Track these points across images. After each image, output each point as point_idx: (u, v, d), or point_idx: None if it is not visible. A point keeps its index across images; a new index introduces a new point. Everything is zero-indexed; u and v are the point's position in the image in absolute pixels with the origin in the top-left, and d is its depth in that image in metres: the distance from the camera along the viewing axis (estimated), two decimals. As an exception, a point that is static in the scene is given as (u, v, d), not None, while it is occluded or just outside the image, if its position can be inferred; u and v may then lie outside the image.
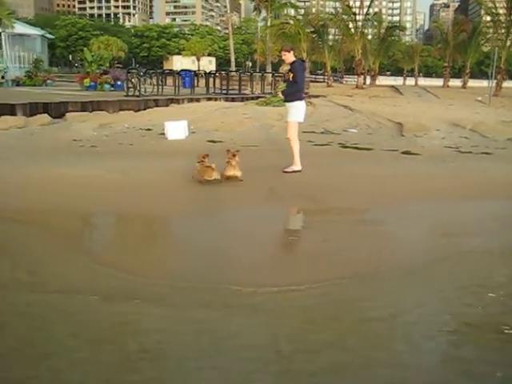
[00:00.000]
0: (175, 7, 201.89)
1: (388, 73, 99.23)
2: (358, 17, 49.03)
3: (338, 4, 54.19)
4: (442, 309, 4.05)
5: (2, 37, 29.90)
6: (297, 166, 8.56)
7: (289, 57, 8.50)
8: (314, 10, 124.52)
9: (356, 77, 50.39)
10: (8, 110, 14.97)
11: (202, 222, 6.38)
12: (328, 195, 7.36)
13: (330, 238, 5.73)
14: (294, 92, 8.52)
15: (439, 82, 64.85)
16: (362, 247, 5.40)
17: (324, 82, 57.31)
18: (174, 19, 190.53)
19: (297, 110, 8.59)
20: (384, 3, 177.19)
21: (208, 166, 7.61)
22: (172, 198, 7.18)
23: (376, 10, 66.61)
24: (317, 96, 26.87)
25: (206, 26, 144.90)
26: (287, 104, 8.65)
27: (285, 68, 9.29)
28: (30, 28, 36.51)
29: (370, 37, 56.62)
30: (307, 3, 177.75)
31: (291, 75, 8.38)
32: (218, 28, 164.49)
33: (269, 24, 51.76)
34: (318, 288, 4.30)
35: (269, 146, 11.20)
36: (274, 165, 8.72)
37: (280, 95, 8.78)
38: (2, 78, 26.15)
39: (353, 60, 54.46)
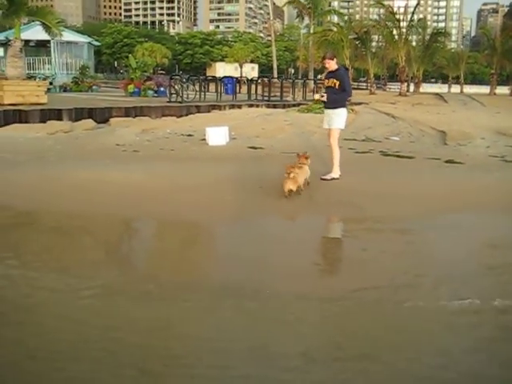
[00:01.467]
0: (219, 14, 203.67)
1: (432, 80, 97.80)
2: (402, 23, 48.47)
3: (381, 11, 53.68)
4: (486, 319, 3.96)
5: (52, 44, 30.75)
6: (336, 174, 8.52)
7: (332, 64, 8.48)
8: (357, 17, 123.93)
9: (399, 84, 49.78)
10: (55, 114, 15.40)
11: (240, 229, 6.42)
12: (368, 203, 7.29)
13: (369, 247, 5.68)
14: (339, 99, 8.50)
15: (486, 89, 63.44)
16: (402, 256, 5.34)
17: (367, 89, 56.88)
18: (218, 26, 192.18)
19: (341, 118, 8.55)
20: (429, 9, 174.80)
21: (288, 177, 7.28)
22: (212, 204, 7.22)
23: (421, 16, 65.91)
24: (359, 103, 26.68)
25: (249, 32, 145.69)
26: (330, 111, 8.57)
27: (324, 75, 9.16)
28: (77, 36, 37.43)
29: (414, 43, 55.91)
30: (351, 10, 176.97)
31: (337, 83, 8.33)
32: (261, 35, 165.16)
33: (311, 31, 51.73)
34: (355, 297, 4.27)
35: (310, 152, 11.15)
36: (313, 172, 8.68)
37: (322, 98, 8.64)
38: (50, 83, 26.80)
39: (396, 67, 53.85)
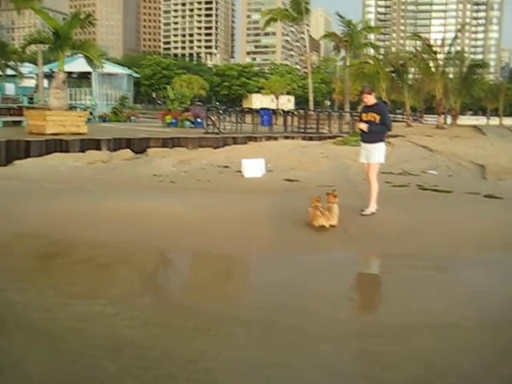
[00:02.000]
0: (256, 47, 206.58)
1: (470, 112, 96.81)
2: (438, 55, 48.30)
3: (418, 43, 53.64)
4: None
5: (93, 76, 31.58)
6: (374, 208, 8.44)
7: (370, 99, 8.45)
8: (393, 49, 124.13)
9: (436, 116, 49.37)
10: (94, 144, 15.76)
11: (274, 262, 6.39)
12: (405, 239, 7.20)
13: (406, 284, 5.59)
14: (379, 133, 8.46)
15: (526, 122, 62.48)
16: (439, 296, 5.22)
17: (403, 121, 56.59)
18: (255, 58, 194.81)
19: (380, 152, 8.50)
20: (467, 41, 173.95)
21: (317, 211, 7.34)
22: (247, 236, 7.21)
23: (458, 48, 65.59)
24: (395, 136, 26.53)
25: (286, 65, 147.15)
26: (369, 145, 8.50)
27: (362, 108, 9.06)
28: (117, 68, 38.43)
29: (451, 75, 55.54)
30: (387, 42, 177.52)
31: (376, 117, 8.30)
32: (298, 67, 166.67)
33: (348, 63, 51.92)
34: (391, 334, 4.19)
35: (345, 186, 11.10)
36: (349, 206, 8.61)
37: (363, 128, 8.54)
38: (91, 114, 27.47)
39: (433, 99, 53.51)
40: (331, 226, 7.36)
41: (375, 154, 8.47)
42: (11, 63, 31.27)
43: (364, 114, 8.55)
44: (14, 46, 59.81)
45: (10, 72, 31.57)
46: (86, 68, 21.81)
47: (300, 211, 7.81)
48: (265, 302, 4.99)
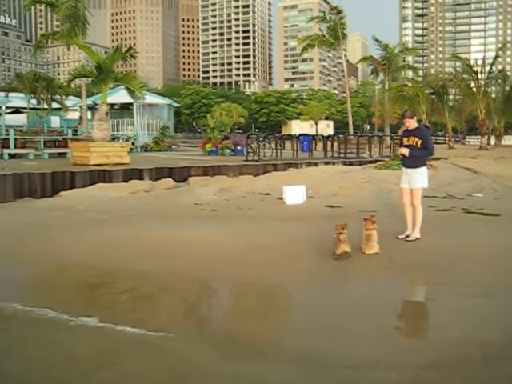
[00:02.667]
0: (293, 73, 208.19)
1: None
2: (480, 75, 47.61)
3: (457, 63, 53.07)
4: None
5: (134, 107, 32.31)
6: (418, 233, 8.27)
7: (412, 123, 8.34)
8: (432, 71, 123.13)
9: (479, 137, 48.48)
10: (136, 174, 15.97)
11: (318, 291, 6.30)
12: (450, 265, 7.01)
13: (453, 313, 5.42)
14: (421, 158, 8.33)
15: None
16: (490, 325, 5.03)
17: (445, 143, 55.78)
18: (293, 85, 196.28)
19: (423, 176, 8.37)
20: (508, 59, 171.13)
21: (339, 237, 7.17)
22: (289, 264, 7.14)
23: (500, 67, 64.58)
24: (437, 158, 26.11)
25: (324, 90, 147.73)
26: (412, 170, 8.35)
27: (402, 132, 8.90)
28: (158, 98, 39.24)
29: (493, 95, 54.59)
30: (425, 64, 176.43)
31: (418, 141, 8.18)
32: (336, 92, 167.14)
33: (386, 87, 51.71)
34: (439, 367, 4.05)
35: (387, 211, 10.94)
36: (393, 231, 8.47)
37: (404, 153, 8.39)
38: (133, 144, 27.99)
39: (475, 120, 52.68)
40: (375, 253, 7.23)
41: (418, 178, 8.33)
42: (57, 97, 32.29)
43: (405, 139, 8.42)
44: (60, 80, 61.78)
45: (55, 105, 32.61)
46: (128, 99, 22.28)
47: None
48: (306, 334, 4.91)
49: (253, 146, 22.24)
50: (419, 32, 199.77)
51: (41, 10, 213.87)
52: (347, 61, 63.49)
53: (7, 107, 32.64)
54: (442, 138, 65.99)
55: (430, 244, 7.98)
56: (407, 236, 8.30)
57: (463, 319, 5.21)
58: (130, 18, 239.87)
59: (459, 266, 6.97)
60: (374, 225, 7.36)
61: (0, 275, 7.05)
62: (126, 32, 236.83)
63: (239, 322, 5.30)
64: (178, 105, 51.80)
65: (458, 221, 10.24)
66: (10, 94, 33.92)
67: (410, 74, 61.93)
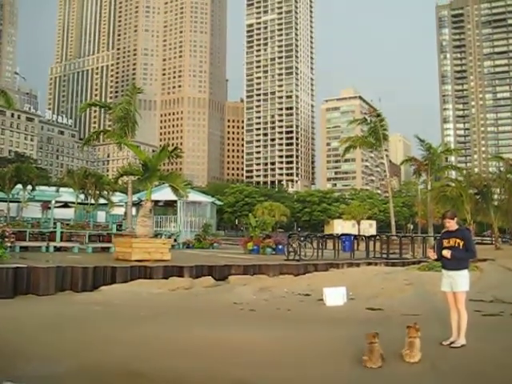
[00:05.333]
0: (336, 173, 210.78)
1: None
2: (524, 174, 47.06)
3: (501, 163, 52.80)
4: None
5: (178, 204, 32.96)
6: (464, 340, 7.90)
7: (453, 224, 8.22)
8: (476, 170, 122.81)
9: (528, 238, 47.21)
10: (177, 271, 16.00)
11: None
12: (502, 375, 6.61)
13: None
14: (463, 260, 8.12)
15: None
16: None
17: (492, 243, 54.46)
18: (335, 184, 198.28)
19: (466, 279, 8.10)
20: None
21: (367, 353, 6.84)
22: (327, 374, 6.85)
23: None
24: (484, 260, 25.42)
25: (367, 190, 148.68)
26: (453, 272, 8.10)
27: (442, 234, 8.76)
28: (202, 196, 40.04)
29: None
30: (468, 164, 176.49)
31: (460, 243, 8.03)
32: (378, 191, 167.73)
33: (429, 187, 51.56)
34: None
35: (431, 314, 10.57)
36: (436, 337, 8.13)
37: (446, 255, 8.18)
38: (175, 240, 28.31)
39: (523, 219, 51.48)
40: (414, 362, 6.90)
41: (460, 281, 8.06)
42: (104, 193, 33.38)
43: (445, 240, 8.25)
44: (108, 177, 64.06)
45: (102, 201, 33.64)
46: (172, 197, 22.79)
47: (383, 344, 7.42)
48: None
49: (294, 245, 22.17)
50: (461, 132, 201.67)
51: (95, 111, 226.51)
52: (389, 161, 64.13)
53: (57, 201, 33.85)
54: (488, 239, 64.51)
55: (477, 351, 7.60)
56: (452, 342, 7.94)
57: None
58: (177, 119, 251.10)
59: (506, 376, 6.58)
60: (417, 332, 7.06)
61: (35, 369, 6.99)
62: (173, 132, 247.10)
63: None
64: (221, 203, 52.68)
65: (506, 326, 9.80)
66: (61, 189, 35.33)
67: (453, 174, 61.90)
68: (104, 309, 10.98)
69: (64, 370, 6.97)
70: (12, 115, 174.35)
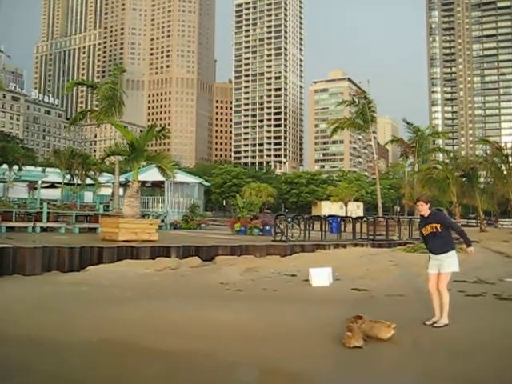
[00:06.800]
0: (324, 155, 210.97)
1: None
2: (510, 158, 47.36)
3: (488, 147, 53.10)
4: None
5: (166, 185, 32.89)
6: (446, 320, 8.03)
7: (425, 208, 8.24)
8: (463, 153, 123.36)
9: (512, 220, 47.68)
10: (164, 251, 16.02)
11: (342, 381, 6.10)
12: (482, 355, 6.72)
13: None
14: (446, 241, 8.19)
15: None
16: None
17: (477, 226, 54.97)
18: (323, 166, 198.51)
19: (454, 259, 8.19)
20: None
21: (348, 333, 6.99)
22: (311, 352, 6.93)
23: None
24: (469, 242, 25.68)
25: (354, 172, 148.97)
26: (441, 255, 8.15)
27: (420, 223, 8.81)
28: (189, 177, 39.96)
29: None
30: (455, 147, 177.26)
31: (437, 226, 8.09)
32: (366, 174, 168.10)
33: (416, 169, 51.82)
34: None
35: (415, 295, 10.71)
36: (419, 317, 8.24)
37: (471, 252, 8.28)
38: (162, 221, 28.31)
39: (508, 202, 51.94)
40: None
41: (448, 262, 8.15)
42: (91, 173, 33.22)
43: (423, 229, 8.35)
44: (95, 157, 63.69)
45: (89, 181, 33.48)
46: (160, 177, 22.72)
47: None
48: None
49: (281, 226, 22.25)
50: (449, 115, 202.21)
51: (82, 91, 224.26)
52: (377, 143, 64.22)
53: (43, 181, 33.66)
54: (473, 221, 65.09)
55: (458, 331, 7.73)
56: (434, 322, 8.06)
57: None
58: (165, 99, 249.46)
59: (494, 358, 6.68)
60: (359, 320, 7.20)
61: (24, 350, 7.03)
62: (161, 112, 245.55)
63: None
64: (209, 184, 52.60)
65: (488, 307, 9.94)
66: (47, 169, 35.11)
67: (440, 156, 62.22)
68: (91, 289, 10.97)
69: (52, 348, 7.01)
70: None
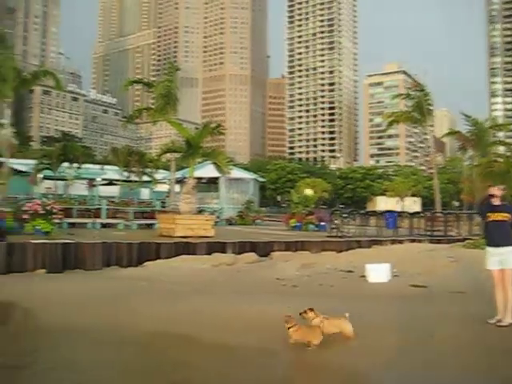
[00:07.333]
0: (379, 149, 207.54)
1: None
2: None
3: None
4: None
5: (221, 181, 33.13)
6: (510, 318, 7.73)
7: (499, 196, 7.93)
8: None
9: None
10: (220, 247, 16.18)
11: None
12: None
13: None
14: (510, 236, 7.84)
15: None
16: None
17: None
18: (378, 161, 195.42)
19: None
20: None
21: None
22: (375, 351, 6.83)
23: None
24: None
25: (411, 166, 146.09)
26: (503, 249, 7.79)
27: (485, 207, 8.33)
28: (244, 173, 40.11)
29: None
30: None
31: (508, 216, 7.78)
32: (423, 168, 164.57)
33: (475, 163, 50.33)
34: None
35: (476, 292, 10.40)
36: (482, 315, 7.99)
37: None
38: (218, 217, 28.53)
39: None
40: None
41: (511, 257, 7.85)
42: (147, 170, 33.75)
43: (491, 213, 7.95)
44: (151, 154, 64.74)
45: (146, 178, 34.04)
46: (215, 173, 22.92)
47: (433, 321, 7.35)
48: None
49: (337, 221, 22.06)
50: (510, 106, 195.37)
51: (138, 90, 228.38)
52: (434, 136, 62.77)
53: (102, 179, 34.46)
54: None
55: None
56: (498, 321, 7.79)
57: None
58: (220, 96, 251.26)
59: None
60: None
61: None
62: (216, 109, 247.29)
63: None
64: (264, 180, 52.66)
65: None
66: (105, 167, 35.93)
67: (501, 149, 60.24)
68: (150, 284, 11.19)
69: (118, 340, 7.19)
70: (57, 95, 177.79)
